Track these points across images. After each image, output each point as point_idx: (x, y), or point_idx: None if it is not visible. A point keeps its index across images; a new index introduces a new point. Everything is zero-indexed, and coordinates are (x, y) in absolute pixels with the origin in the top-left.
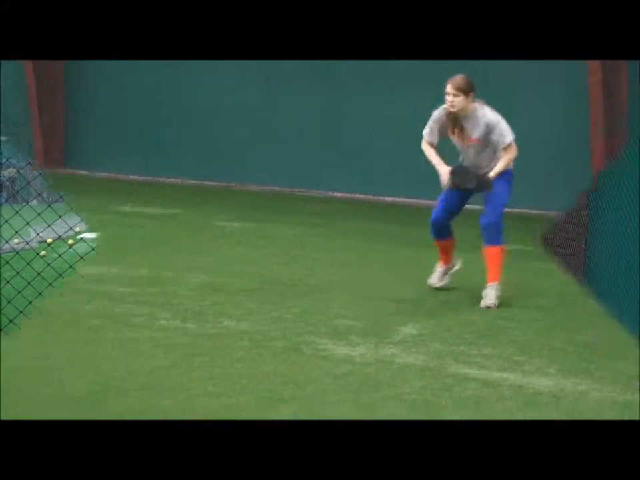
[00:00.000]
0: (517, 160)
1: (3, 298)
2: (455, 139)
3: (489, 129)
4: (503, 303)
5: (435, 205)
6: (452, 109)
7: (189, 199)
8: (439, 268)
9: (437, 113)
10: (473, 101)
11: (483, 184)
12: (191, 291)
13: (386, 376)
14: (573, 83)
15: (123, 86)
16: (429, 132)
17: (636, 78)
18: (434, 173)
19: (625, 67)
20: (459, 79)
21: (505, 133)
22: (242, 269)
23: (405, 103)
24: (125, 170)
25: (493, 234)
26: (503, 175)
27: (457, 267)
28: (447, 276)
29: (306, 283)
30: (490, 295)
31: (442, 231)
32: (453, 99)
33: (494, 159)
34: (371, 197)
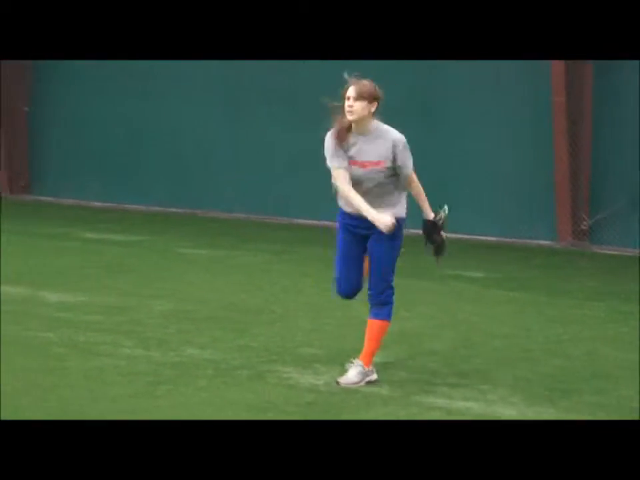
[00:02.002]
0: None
1: None
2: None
3: (396, 151)
4: (465, 331)
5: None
6: (350, 117)
7: (153, 225)
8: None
9: (330, 137)
10: (372, 116)
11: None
12: (155, 318)
13: (350, 405)
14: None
15: (86, 112)
16: (336, 158)
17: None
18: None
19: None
20: (363, 81)
21: (409, 162)
22: (207, 297)
23: None
24: (89, 196)
25: (385, 304)
26: (385, 236)
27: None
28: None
29: (271, 310)
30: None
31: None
32: (352, 104)
33: (391, 194)
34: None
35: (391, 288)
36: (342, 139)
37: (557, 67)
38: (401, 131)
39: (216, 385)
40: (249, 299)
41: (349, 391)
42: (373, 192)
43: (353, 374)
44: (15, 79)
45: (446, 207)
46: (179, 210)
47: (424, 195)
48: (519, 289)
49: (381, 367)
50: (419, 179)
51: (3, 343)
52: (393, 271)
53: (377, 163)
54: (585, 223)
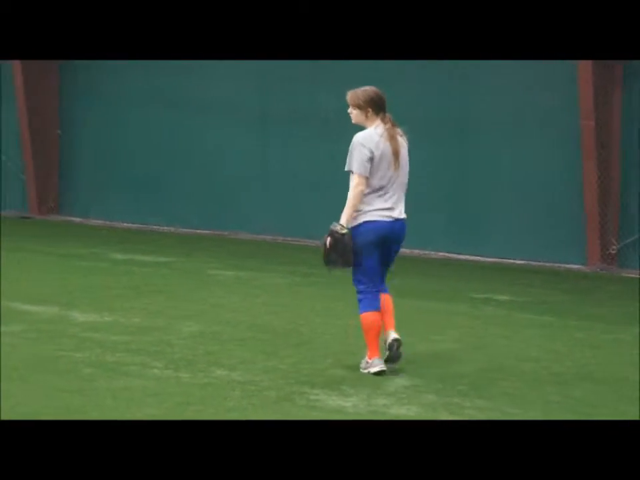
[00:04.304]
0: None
1: None
2: None
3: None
4: (495, 354)
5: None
6: (353, 121)
7: (181, 247)
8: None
9: None
10: (373, 117)
11: (333, 237)
12: (183, 339)
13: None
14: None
15: (115, 134)
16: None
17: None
18: (428, 222)
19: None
20: (357, 91)
21: (349, 160)
22: (235, 318)
23: None
24: (118, 217)
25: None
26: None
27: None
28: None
29: (299, 332)
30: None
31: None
32: (350, 111)
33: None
34: None
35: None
36: None
37: (585, 90)
38: (432, 152)
39: (244, 406)
40: (276, 321)
41: (377, 412)
42: None
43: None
44: (47, 102)
45: (342, 229)
46: (207, 231)
47: (347, 205)
48: (548, 313)
49: (409, 390)
50: (449, 201)
51: (32, 362)
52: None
53: None
54: (613, 247)
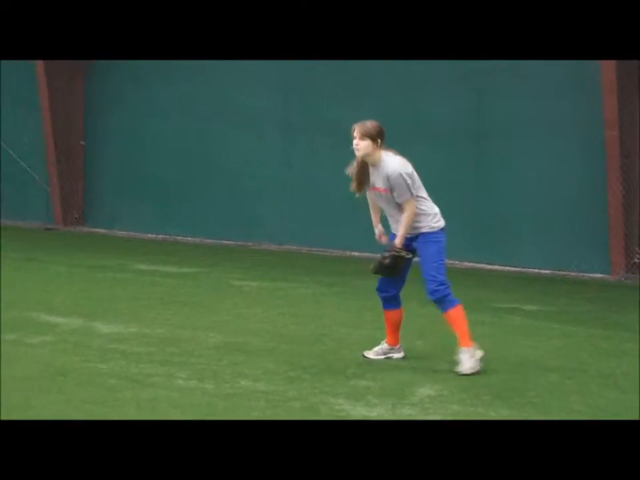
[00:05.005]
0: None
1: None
2: (368, 191)
3: (390, 182)
4: (519, 364)
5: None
6: (357, 153)
7: (205, 257)
8: (384, 343)
9: (350, 165)
10: (381, 148)
11: (395, 257)
12: (208, 350)
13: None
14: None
15: (140, 145)
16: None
17: None
18: (453, 232)
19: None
20: (366, 123)
21: (402, 191)
22: (259, 329)
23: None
24: (142, 229)
25: (441, 300)
26: (426, 240)
27: (397, 356)
28: (386, 357)
29: (323, 342)
30: (463, 361)
31: (385, 299)
32: (357, 142)
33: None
34: None
35: (439, 280)
36: (359, 167)
37: (609, 99)
38: (457, 161)
39: (268, 416)
40: (300, 331)
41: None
42: (395, 211)
43: (465, 361)
44: (71, 113)
45: (409, 256)
46: (231, 242)
47: (403, 225)
48: (572, 322)
49: (434, 400)
50: (472, 210)
51: (56, 373)
52: (438, 265)
53: (385, 190)
54: (638, 256)
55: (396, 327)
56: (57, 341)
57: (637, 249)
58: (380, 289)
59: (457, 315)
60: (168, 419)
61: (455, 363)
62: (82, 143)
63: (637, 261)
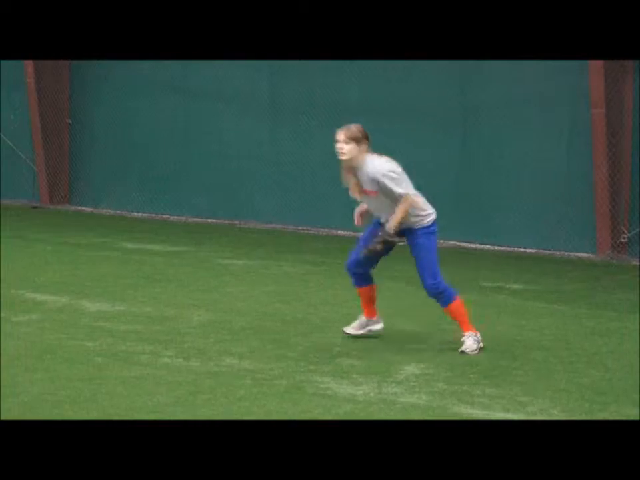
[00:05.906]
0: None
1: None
2: (355, 192)
3: (377, 183)
4: (506, 343)
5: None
6: (342, 157)
7: (192, 236)
8: (362, 317)
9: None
10: (366, 151)
11: (387, 242)
12: (194, 328)
13: (388, 415)
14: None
15: (127, 123)
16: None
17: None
18: (438, 211)
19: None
20: (350, 127)
21: (392, 187)
22: (245, 307)
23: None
24: (129, 207)
25: (439, 296)
26: (419, 233)
27: (376, 327)
28: (366, 330)
29: (309, 321)
30: (467, 344)
31: (358, 276)
32: (342, 146)
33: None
34: None
35: (435, 276)
36: (346, 170)
37: (596, 78)
38: (441, 141)
39: (254, 394)
40: (287, 309)
41: (387, 400)
42: (389, 208)
43: (469, 343)
44: (57, 91)
45: (401, 242)
46: (218, 220)
47: (398, 214)
48: (558, 301)
49: (420, 378)
50: (458, 189)
51: (43, 351)
52: (432, 262)
53: (374, 192)
54: (624, 235)
55: (371, 301)
56: (44, 319)
57: (623, 228)
58: (351, 266)
59: (457, 308)
60: (154, 396)
61: (445, 342)
62: (68, 121)
63: (623, 240)
